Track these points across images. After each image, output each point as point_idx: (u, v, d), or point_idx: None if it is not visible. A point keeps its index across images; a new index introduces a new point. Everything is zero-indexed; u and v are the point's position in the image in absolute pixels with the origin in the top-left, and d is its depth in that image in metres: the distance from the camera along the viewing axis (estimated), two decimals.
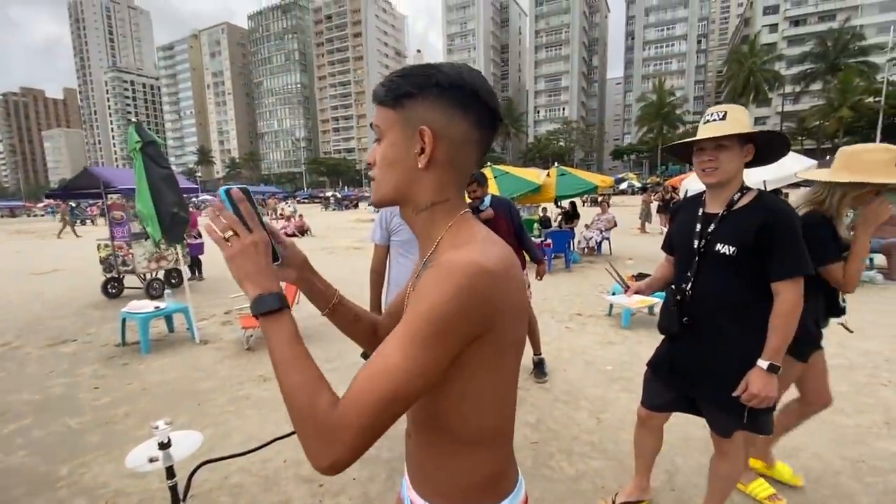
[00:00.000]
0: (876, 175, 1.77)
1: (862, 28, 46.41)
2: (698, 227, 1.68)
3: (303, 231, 16.35)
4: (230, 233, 0.69)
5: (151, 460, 1.65)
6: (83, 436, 2.89)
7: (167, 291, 5.22)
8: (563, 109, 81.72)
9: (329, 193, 51.40)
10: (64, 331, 5.25)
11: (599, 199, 15.88)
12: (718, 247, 1.60)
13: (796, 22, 58.91)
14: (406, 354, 0.59)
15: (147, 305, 4.65)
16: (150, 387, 3.63)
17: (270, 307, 0.65)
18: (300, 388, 0.60)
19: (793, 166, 6.46)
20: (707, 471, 1.90)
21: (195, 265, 8.27)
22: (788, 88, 50.32)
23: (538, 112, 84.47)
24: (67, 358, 4.36)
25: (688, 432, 2.63)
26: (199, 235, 8.53)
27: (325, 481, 2.36)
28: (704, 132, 1.59)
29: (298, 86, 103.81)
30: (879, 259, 7.08)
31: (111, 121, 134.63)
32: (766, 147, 1.59)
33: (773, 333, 1.53)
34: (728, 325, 1.63)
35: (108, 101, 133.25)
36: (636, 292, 2.01)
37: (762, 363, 1.53)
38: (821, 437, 2.66)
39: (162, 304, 4.72)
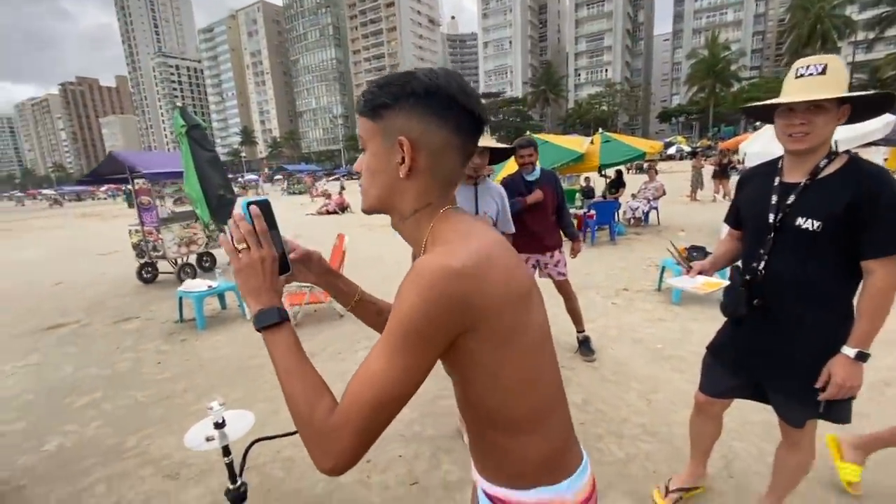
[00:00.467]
0: None
1: None
2: (774, 198, 1.48)
3: (343, 208, 16.63)
4: (243, 245, 0.71)
5: (208, 439, 1.71)
6: (148, 409, 3.10)
7: (218, 270, 5.44)
8: (606, 71, 77.48)
9: None
10: (127, 309, 5.63)
11: (646, 165, 15.07)
12: (799, 221, 1.40)
13: None
14: (386, 361, 0.62)
15: (201, 285, 4.88)
16: (206, 363, 3.83)
17: (271, 321, 0.70)
18: (301, 395, 0.65)
19: (867, 123, 5.81)
20: (768, 458, 1.77)
21: None
22: (861, 35, 45.02)
23: (579, 75, 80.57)
24: (131, 334, 4.67)
25: (745, 416, 2.47)
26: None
27: (371, 458, 2.41)
28: (798, 89, 1.36)
29: (333, 61, 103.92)
30: None
31: (160, 105, 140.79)
32: (863, 107, 1.37)
33: (864, 317, 1.36)
34: (806, 308, 1.45)
35: (157, 86, 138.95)
36: (699, 272, 1.84)
37: (848, 350, 1.37)
38: (892, 420, 2.43)
39: (214, 283, 4.93)
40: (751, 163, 7.10)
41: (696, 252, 4.54)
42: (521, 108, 69.13)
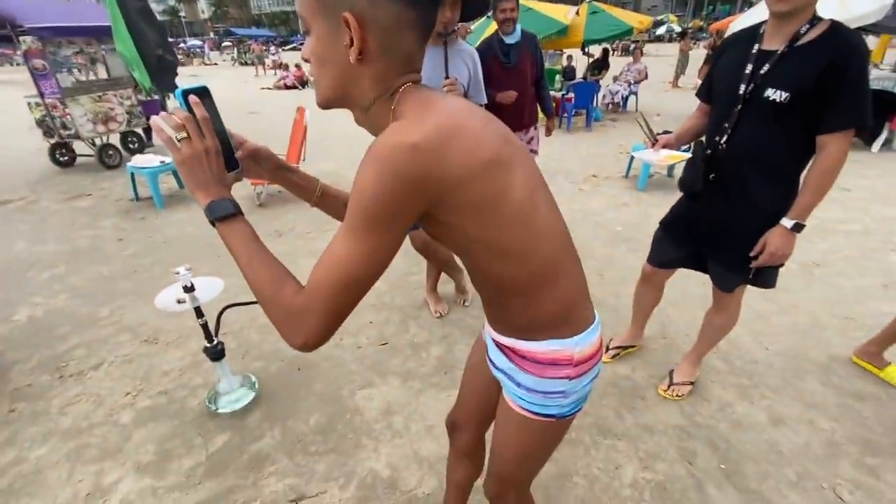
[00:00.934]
0: None
1: None
2: (749, 67, 1.45)
3: (303, 82, 15.23)
4: (183, 134, 0.66)
5: (179, 301, 1.76)
6: (116, 282, 3.11)
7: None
8: None
9: None
10: (77, 185, 5.29)
11: (632, 46, 14.16)
12: (769, 92, 1.40)
13: None
14: (350, 243, 0.61)
15: (153, 160, 4.56)
16: (171, 239, 3.77)
17: (225, 212, 0.68)
18: (266, 281, 0.65)
19: (866, 3, 5.51)
20: (699, 324, 2.00)
21: (149, 131, 6.91)
22: None
23: None
24: (86, 212, 4.46)
25: (686, 289, 2.73)
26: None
27: (344, 324, 2.57)
28: None
29: None
30: None
31: None
32: None
33: (808, 190, 1.43)
34: (759, 184, 1.52)
35: None
36: (664, 146, 1.85)
37: (787, 222, 1.48)
38: (817, 296, 2.75)
39: (167, 159, 4.63)
40: None
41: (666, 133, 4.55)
42: None
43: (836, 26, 1.32)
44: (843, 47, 1.28)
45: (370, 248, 0.62)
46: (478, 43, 2.94)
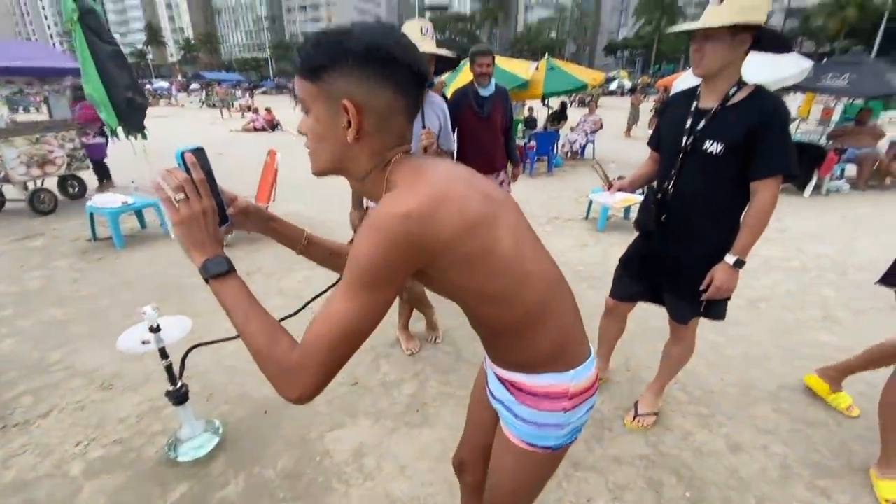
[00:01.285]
0: None
1: None
2: (689, 122, 1.65)
3: (273, 125, 15.38)
4: (181, 195, 0.69)
5: (144, 342, 1.71)
6: (70, 325, 2.95)
7: (133, 185, 4.95)
8: None
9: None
10: (27, 226, 5.06)
11: (587, 99, 15.24)
12: (706, 145, 1.58)
13: None
14: (346, 301, 0.66)
15: (115, 200, 4.46)
16: (130, 281, 3.64)
17: (220, 270, 0.71)
18: (260, 336, 0.68)
19: (789, 67, 6.23)
20: (660, 356, 2.11)
21: (100, 170, 6.63)
22: None
23: None
24: (38, 252, 4.26)
25: (647, 322, 2.87)
26: (103, 133, 6.51)
27: None
28: (701, 19, 1.49)
29: None
30: (851, 170, 7.26)
31: None
32: (767, 40, 1.50)
33: (746, 231, 1.60)
34: (704, 225, 1.68)
35: None
36: (619, 189, 2.02)
37: (729, 258, 1.62)
38: (762, 328, 2.95)
39: (130, 199, 4.53)
40: None
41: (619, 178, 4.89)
42: (469, 26, 65.30)
43: (759, 90, 1.54)
44: (766, 108, 1.49)
45: (366, 306, 0.66)
46: (454, 87, 3.13)
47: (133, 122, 4.29)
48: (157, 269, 3.88)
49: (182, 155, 0.71)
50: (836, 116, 10.47)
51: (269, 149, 4.73)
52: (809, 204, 6.08)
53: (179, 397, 1.83)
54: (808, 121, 11.45)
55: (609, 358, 2.37)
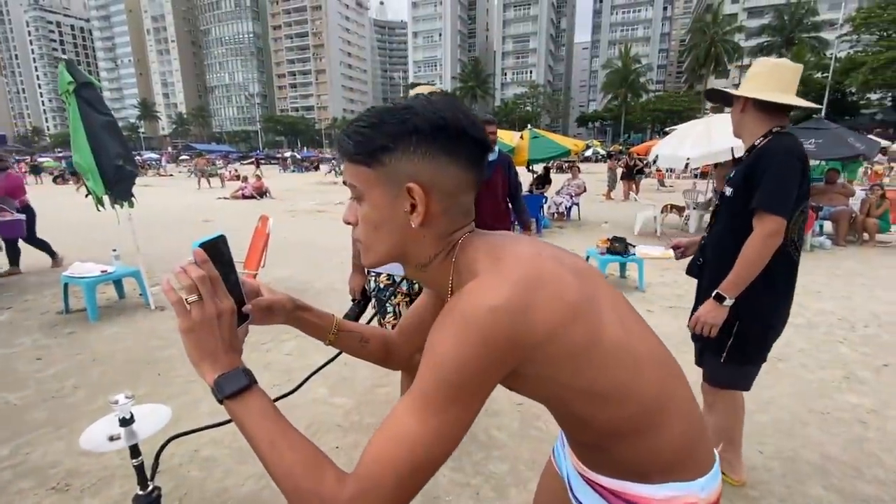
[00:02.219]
0: None
1: (815, 3, 47.75)
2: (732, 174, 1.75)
3: (262, 193, 15.53)
4: (194, 297, 0.57)
5: (112, 438, 1.45)
6: (26, 412, 2.61)
7: (114, 253, 4.73)
8: (531, 73, 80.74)
9: (287, 154, 49.05)
10: None
11: (566, 165, 15.96)
12: (726, 190, 1.71)
13: None
14: (421, 419, 0.53)
15: (92, 269, 4.22)
16: (102, 357, 3.32)
17: (238, 386, 0.57)
18: (297, 468, 0.54)
19: (717, 144, 6.65)
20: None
21: (11, 252, 5.63)
22: (746, 60, 51.64)
23: (505, 74, 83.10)
24: (2, 327, 3.92)
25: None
26: (25, 208, 5.70)
27: None
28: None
29: (251, 35, 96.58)
30: (828, 226, 7.51)
31: (35, 66, 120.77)
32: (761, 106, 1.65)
33: (735, 265, 1.57)
34: (719, 267, 1.65)
35: (31, 43, 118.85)
36: (674, 247, 2.05)
37: (715, 293, 1.61)
38: (788, 391, 2.78)
39: (109, 268, 4.31)
40: (663, 163, 7.78)
41: (617, 242, 4.90)
42: None
43: (769, 136, 1.59)
44: (762, 152, 1.57)
45: (447, 424, 0.54)
46: None
47: (121, 189, 4.18)
48: (134, 342, 3.57)
49: (200, 245, 0.60)
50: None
51: (261, 214, 4.64)
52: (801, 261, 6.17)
53: (150, 502, 1.54)
54: None
55: None
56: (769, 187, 1.49)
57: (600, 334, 0.61)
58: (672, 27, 79.44)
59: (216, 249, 0.61)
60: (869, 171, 12.92)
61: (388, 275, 2.21)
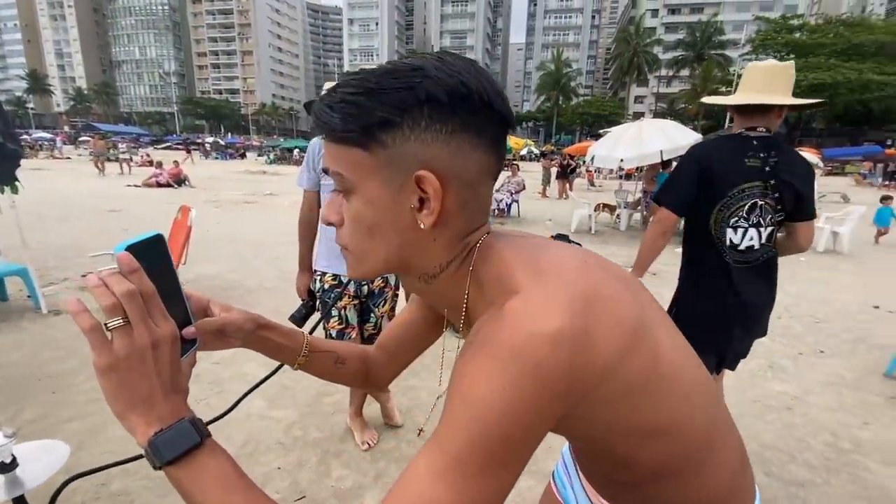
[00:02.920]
0: None
1: (722, 23, 52.98)
2: None
3: (179, 181, 14.16)
4: (117, 321, 0.40)
5: None
6: None
7: None
8: None
9: (209, 139, 45.44)
10: None
11: (506, 164, 16.25)
12: None
13: (673, 10, 65.27)
14: (454, 487, 0.40)
15: None
16: None
17: (185, 447, 0.41)
18: None
19: (683, 138, 7.15)
20: None
21: None
22: (663, 72, 56.19)
23: None
24: None
25: None
26: None
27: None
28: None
29: (165, 7, 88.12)
30: None
31: None
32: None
33: None
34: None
35: None
36: None
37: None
38: (725, 383, 2.95)
39: None
40: (599, 163, 8.14)
41: (560, 239, 5.00)
42: None
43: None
44: None
45: (487, 493, 0.41)
46: None
47: (1, 171, 3.49)
48: (21, 355, 2.99)
49: (128, 248, 0.42)
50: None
51: (182, 205, 4.13)
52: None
53: None
54: None
55: None
56: (664, 181, 1.77)
57: (659, 360, 0.51)
58: (599, 35, 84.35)
59: (151, 254, 0.44)
60: None
61: (334, 275, 2.00)
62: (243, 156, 36.68)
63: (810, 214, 1.61)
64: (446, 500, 0.40)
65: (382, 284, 2.07)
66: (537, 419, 0.42)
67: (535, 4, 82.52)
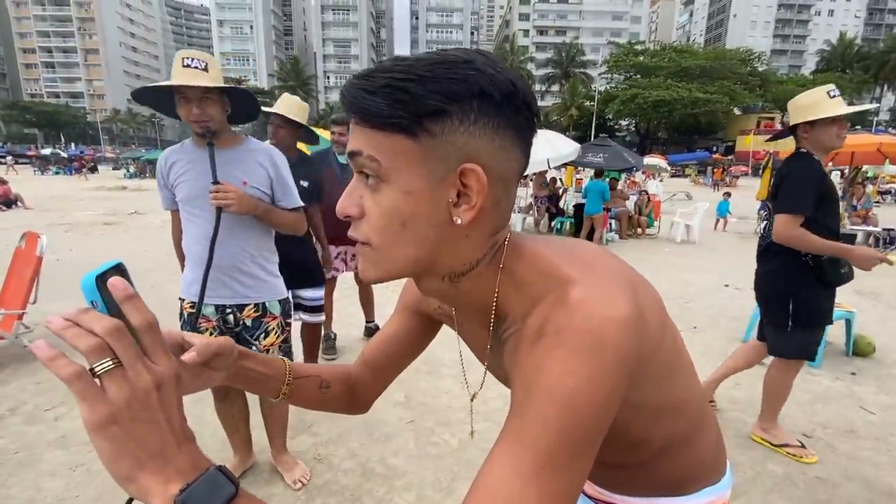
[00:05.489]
0: None
1: (582, 46, 59.99)
2: None
3: (8, 202, 11.65)
4: (107, 362, 0.34)
5: None
6: None
7: None
8: None
9: (46, 151, 38.20)
10: None
11: None
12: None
13: (541, 31, 72.12)
14: (543, 485, 0.40)
15: None
16: None
17: (223, 499, 0.35)
18: None
19: (566, 147, 7.89)
20: None
21: None
22: (537, 87, 61.62)
23: (328, 77, 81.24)
24: None
25: None
26: None
27: None
28: (839, 106, 1.92)
29: None
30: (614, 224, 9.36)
31: None
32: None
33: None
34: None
35: None
36: None
37: None
38: None
39: None
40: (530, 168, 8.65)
41: None
42: (270, 101, 64.56)
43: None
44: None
45: (573, 485, 0.42)
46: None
47: None
48: None
49: (97, 280, 0.36)
50: (585, 184, 13.62)
51: (27, 231, 3.37)
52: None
53: None
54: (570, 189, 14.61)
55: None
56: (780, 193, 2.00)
57: (675, 338, 0.58)
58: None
59: (122, 274, 0.39)
60: (627, 180, 16.79)
61: (192, 302, 1.68)
62: (93, 170, 31.53)
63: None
64: (538, 500, 0.39)
65: (257, 314, 1.74)
66: (617, 401, 0.44)
67: (417, 18, 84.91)
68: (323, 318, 2.83)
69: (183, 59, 1.52)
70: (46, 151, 37.93)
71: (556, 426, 0.41)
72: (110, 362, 0.34)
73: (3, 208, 11.35)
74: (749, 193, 13.19)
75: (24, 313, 3.12)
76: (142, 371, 0.35)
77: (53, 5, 75.20)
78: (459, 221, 0.46)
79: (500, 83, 0.44)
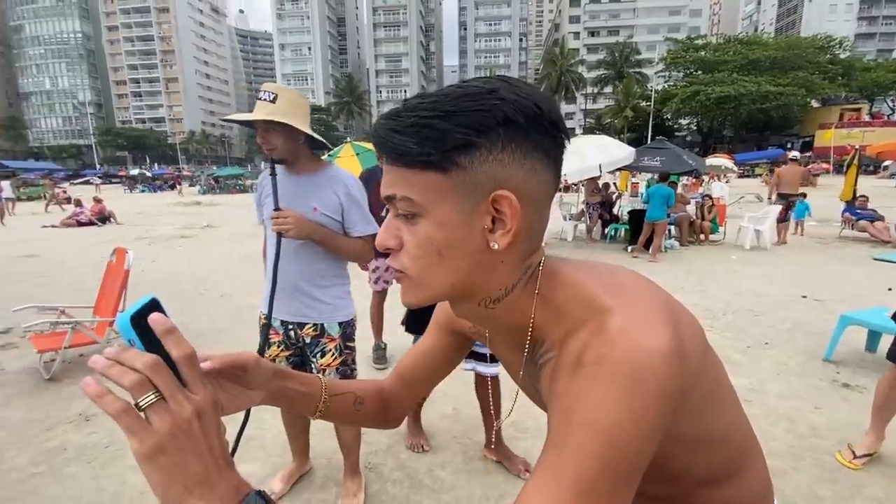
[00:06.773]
0: None
1: (637, 44, 57.78)
2: None
3: (104, 218, 13.04)
4: (150, 396, 0.37)
5: None
6: None
7: None
8: (405, 91, 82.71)
9: (134, 171, 42.44)
10: None
11: None
12: None
13: (592, 32, 70.37)
14: None
15: None
16: None
17: None
18: None
19: (619, 152, 7.62)
20: None
21: None
22: (589, 89, 60.06)
23: (380, 92, 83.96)
24: None
25: None
26: None
27: None
28: None
29: (78, 35, 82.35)
30: (673, 230, 8.87)
31: None
32: None
33: None
34: None
35: None
36: None
37: None
38: None
39: None
40: (573, 178, 8.39)
41: None
42: (326, 117, 67.77)
43: None
44: None
45: None
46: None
47: None
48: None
49: (131, 320, 0.39)
50: (642, 189, 13.00)
51: (117, 247, 3.77)
52: (656, 261, 7.14)
53: None
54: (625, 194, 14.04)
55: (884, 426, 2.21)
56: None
57: (717, 368, 0.56)
58: (528, 57, 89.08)
59: (156, 309, 0.42)
60: (689, 182, 15.85)
61: (266, 315, 1.71)
62: (173, 187, 34.54)
63: None
64: None
65: (315, 333, 1.77)
66: (658, 434, 0.43)
67: (465, 29, 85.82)
68: (499, 368, 2.13)
69: (259, 91, 1.64)
70: (134, 171, 42.18)
71: (596, 460, 0.40)
72: (153, 396, 0.37)
73: (99, 224, 12.72)
74: (831, 193, 12.00)
75: (114, 321, 3.48)
76: (182, 402, 0.38)
77: (140, 42, 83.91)
78: (496, 247, 0.47)
79: (525, 108, 0.45)
